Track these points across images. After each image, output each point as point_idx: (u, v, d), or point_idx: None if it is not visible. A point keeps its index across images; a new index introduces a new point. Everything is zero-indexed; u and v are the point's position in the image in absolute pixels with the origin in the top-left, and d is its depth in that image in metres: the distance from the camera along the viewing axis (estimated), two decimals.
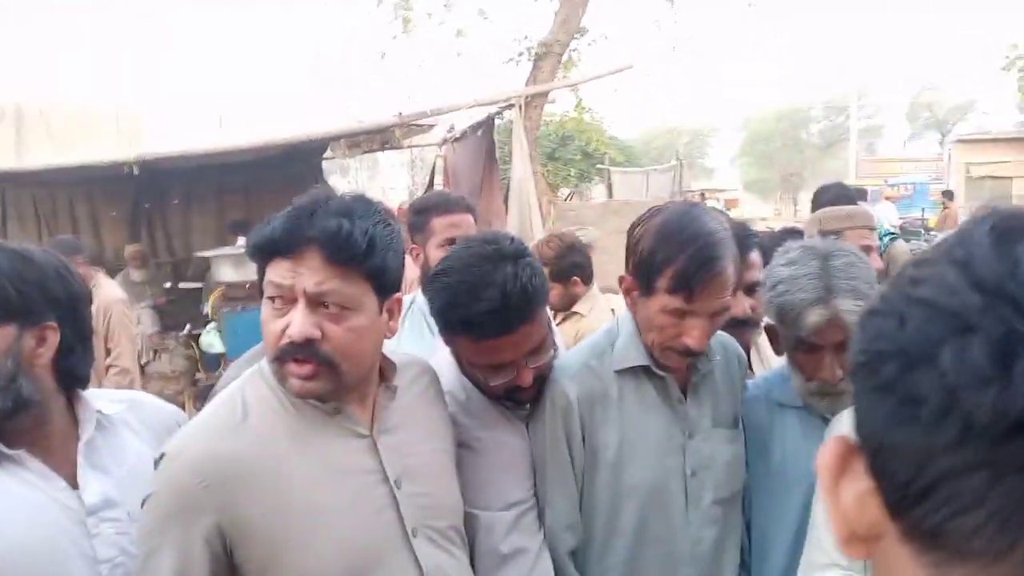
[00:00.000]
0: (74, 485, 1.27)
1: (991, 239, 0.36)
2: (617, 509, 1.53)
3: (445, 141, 8.56)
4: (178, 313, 8.39)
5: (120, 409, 1.38)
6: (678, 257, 1.41)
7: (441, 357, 1.55)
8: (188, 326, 7.81)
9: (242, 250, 7.15)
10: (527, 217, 6.63)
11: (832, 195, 3.36)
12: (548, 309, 3.30)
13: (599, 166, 17.48)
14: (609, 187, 15.57)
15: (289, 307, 1.17)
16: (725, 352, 1.69)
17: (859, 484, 0.41)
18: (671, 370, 1.56)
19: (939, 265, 0.37)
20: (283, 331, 1.17)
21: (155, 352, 7.68)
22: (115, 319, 4.44)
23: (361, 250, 1.18)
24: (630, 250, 1.51)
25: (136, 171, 6.26)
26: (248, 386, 1.28)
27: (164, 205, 9.20)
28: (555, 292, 3.24)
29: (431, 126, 7.64)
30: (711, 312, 1.45)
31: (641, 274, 1.47)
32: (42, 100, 6.88)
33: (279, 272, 1.17)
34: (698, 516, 1.56)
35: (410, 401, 1.39)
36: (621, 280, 1.55)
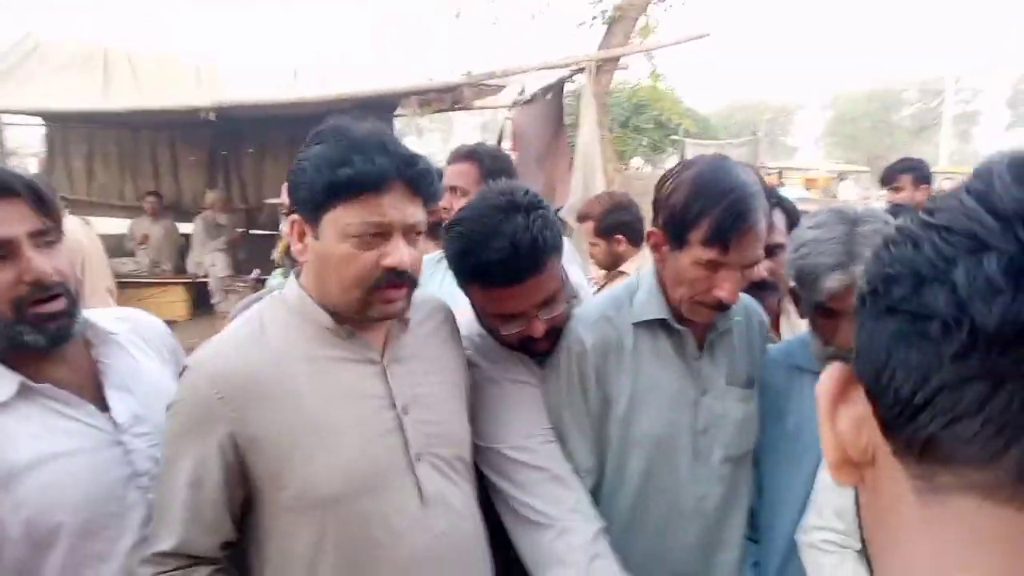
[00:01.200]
0: (101, 407, 1.34)
1: (1011, 172, 0.37)
2: (625, 458, 1.56)
3: (514, 104, 8.56)
4: (249, 258, 8.73)
5: (125, 328, 1.44)
6: (713, 209, 1.41)
7: (463, 303, 1.60)
8: (257, 270, 8.11)
9: None
10: (591, 183, 6.59)
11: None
12: (595, 267, 3.33)
13: (673, 137, 17.16)
14: (682, 159, 15.24)
15: (377, 240, 1.25)
16: (746, 313, 1.68)
17: (856, 409, 0.43)
18: (690, 325, 1.56)
19: (958, 196, 0.39)
20: (376, 262, 1.25)
21: (225, 293, 8.04)
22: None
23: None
24: (659, 204, 1.51)
25: (212, 117, 6.47)
26: (267, 309, 1.36)
27: (239, 153, 9.50)
28: (599, 249, 3.27)
29: (501, 88, 7.63)
30: (744, 264, 1.45)
31: (673, 227, 1.47)
32: (129, 46, 7.16)
33: (370, 209, 1.23)
34: (705, 472, 1.58)
35: (423, 335, 1.44)
36: (649, 235, 1.55)
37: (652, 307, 1.56)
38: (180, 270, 8.85)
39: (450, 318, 1.55)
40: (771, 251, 1.93)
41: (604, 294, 1.70)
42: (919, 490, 0.39)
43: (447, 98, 7.21)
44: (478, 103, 8.48)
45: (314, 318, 1.32)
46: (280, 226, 7.49)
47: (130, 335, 1.44)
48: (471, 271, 1.45)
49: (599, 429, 1.56)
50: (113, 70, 6.94)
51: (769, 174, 17.00)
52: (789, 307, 2.08)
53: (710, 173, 1.46)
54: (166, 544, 1.26)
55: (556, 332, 1.56)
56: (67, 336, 1.28)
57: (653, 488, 1.56)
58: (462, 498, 1.42)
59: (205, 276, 8.50)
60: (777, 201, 2.00)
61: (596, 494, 1.58)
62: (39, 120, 9.15)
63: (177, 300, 8.48)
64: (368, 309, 1.29)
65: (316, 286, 1.32)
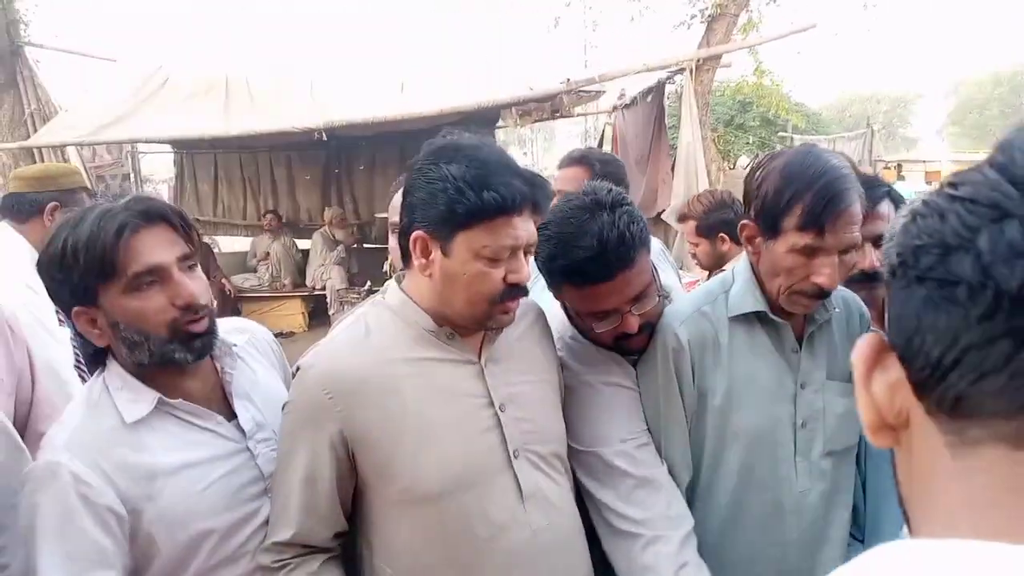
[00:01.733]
0: (227, 416, 1.42)
1: None
2: (722, 452, 1.56)
3: (615, 108, 8.54)
4: (362, 271, 9.10)
5: (243, 340, 1.52)
6: (806, 193, 1.40)
7: (554, 306, 1.65)
8: (369, 283, 8.44)
9: None
10: (694, 184, 6.50)
11: None
12: (698, 268, 3.29)
13: (781, 133, 16.61)
14: None
15: (502, 259, 1.31)
16: (845, 305, 1.65)
17: (890, 374, 0.46)
18: (788, 318, 1.55)
19: (980, 170, 0.41)
20: (503, 279, 1.32)
21: (341, 304, 8.40)
22: None
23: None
24: (750, 196, 1.51)
25: (324, 136, 6.78)
26: (371, 313, 1.45)
27: (351, 170, 9.92)
28: (701, 249, 3.23)
29: (601, 93, 7.63)
30: (841, 248, 1.43)
31: (766, 217, 1.47)
32: (247, 72, 7.62)
33: (505, 231, 1.29)
34: (806, 467, 1.55)
35: (517, 335, 1.49)
36: (742, 228, 1.55)
37: (748, 300, 1.56)
38: (298, 284, 9.31)
39: (541, 318, 1.59)
40: (880, 241, 1.87)
41: (698, 289, 1.70)
42: (951, 444, 0.41)
43: (547, 107, 7.27)
44: (578, 110, 8.51)
45: (416, 321, 1.39)
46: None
47: (246, 346, 1.53)
48: (561, 271, 1.49)
49: (695, 424, 1.57)
50: (233, 96, 7.40)
51: (886, 167, 16.18)
52: None
53: (799, 160, 1.46)
54: (284, 534, 1.35)
55: (650, 328, 1.58)
56: (209, 352, 1.38)
57: (752, 483, 1.55)
58: (560, 494, 1.46)
59: (322, 289, 8.91)
60: (887, 191, 1.94)
61: (693, 489, 1.58)
62: (169, 148, 9.87)
63: (296, 312, 8.92)
64: (488, 321, 1.37)
65: (434, 296, 1.37)
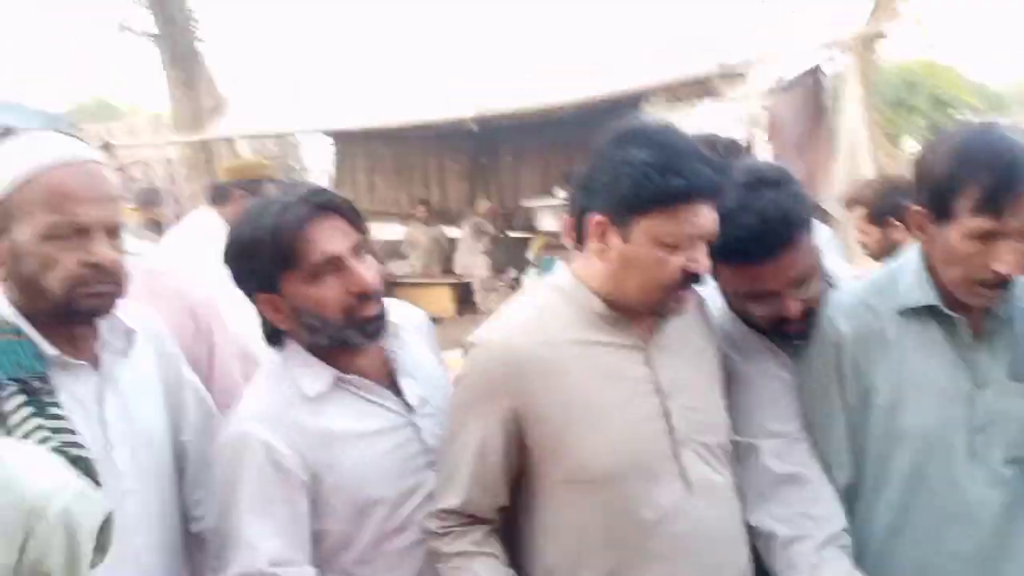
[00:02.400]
0: (394, 392, 1.47)
1: None
2: (888, 454, 1.46)
3: (771, 91, 8.16)
4: (506, 259, 9.25)
5: (405, 322, 1.56)
6: (981, 173, 1.29)
7: (711, 290, 1.59)
8: (514, 270, 8.57)
9: (565, 201, 7.65)
10: (857, 170, 6.10)
11: None
12: (867, 258, 3.07)
13: (957, 116, 15.30)
14: None
15: (681, 247, 1.30)
16: None
17: None
18: (964, 312, 1.42)
19: None
20: (684, 267, 1.30)
21: (487, 292, 8.59)
22: None
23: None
24: (920, 179, 1.40)
25: (474, 127, 6.92)
26: (542, 294, 1.47)
27: (498, 160, 10.11)
28: (871, 238, 3.04)
29: (754, 74, 7.30)
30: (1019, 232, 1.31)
31: (937, 200, 1.35)
32: (403, 63, 7.91)
33: (688, 219, 1.28)
34: (984, 474, 1.43)
35: (682, 323, 1.46)
36: (910, 215, 1.44)
37: (919, 293, 1.44)
38: (447, 271, 9.60)
39: (702, 305, 1.56)
40: None
41: (864, 280, 1.58)
42: None
43: (698, 90, 7.05)
44: (730, 93, 8.20)
45: (586, 304, 1.39)
46: (537, 224, 7.84)
47: (408, 327, 1.57)
48: (720, 250, 1.40)
49: (858, 423, 1.48)
50: (388, 89, 7.69)
51: None
52: None
53: (974, 137, 1.35)
54: (451, 502, 1.39)
55: (812, 314, 1.50)
56: (381, 335, 1.44)
57: (923, 488, 1.44)
58: (725, 486, 1.43)
59: (469, 277, 9.13)
60: None
61: (854, 493, 1.49)
62: (329, 140, 10.43)
63: (444, 299, 9.20)
64: (660, 308, 1.36)
65: (607, 280, 1.37)
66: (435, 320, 1.81)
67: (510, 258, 9.18)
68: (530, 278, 7.56)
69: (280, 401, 1.39)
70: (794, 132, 7.44)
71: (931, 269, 1.44)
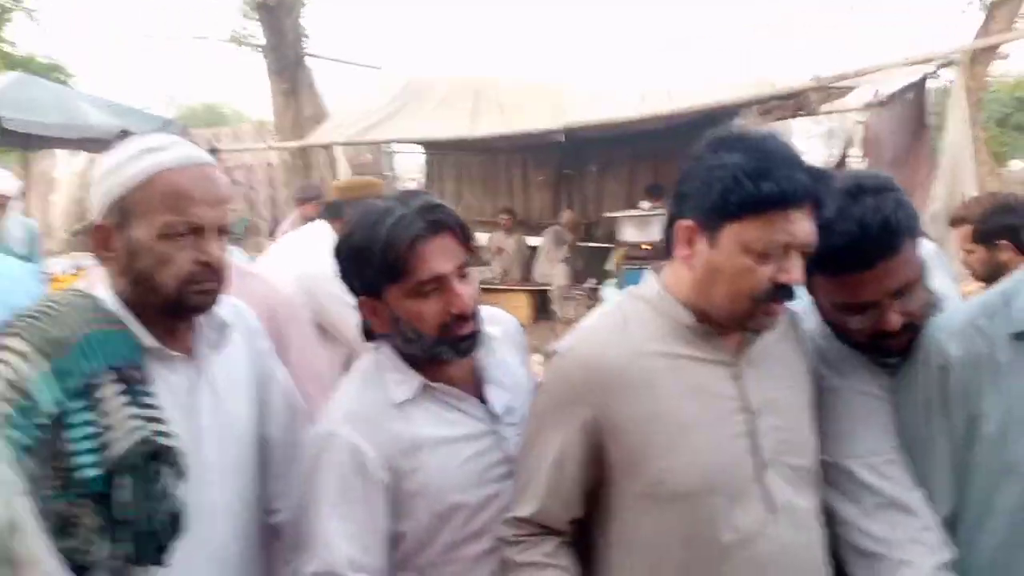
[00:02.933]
0: (478, 398, 1.48)
1: None
2: (994, 488, 1.36)
3: (868, 106, 7.91)
4: (585, 269, 9.26)
5: (499, 331, 1.56)
6: None
7: (804, 304, 1.53)
8: (592, 280, 8.58)
9: (647, 213, 7.65)
10: (959, 188, 5.84)
11: None
12: (971, 279, 2.94)
13: None
14: None
15: (776, 255, 1.25)
16: None
17: None
18: None
19: None
20: (772, 277, 1.26)
21: (564, 300, 8.62)
22: None
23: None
24: None
25: (562, 139, 6.98)
26: (628, 304, 1.44)
27: (583, 172, 10.15)
28: (976, 257, 2.91)
29: (850, 89, 7.11)
30: None
31: None
32: (496, 79, 8.05)
33: (779, 226, 1.23)
34: None
35: (773, 339, 1.42)
36: None
37: None
38: (526, 279, 9.66)
39: (796, 322, 1.50)
40: None
41: (972, 300, 1.50)
42: None
43: (791, 105, 6.90)
44: (824, 108, 8.00)
45: (674, 316, 1.36)
46: (619, 236, 7.84)
47: (498, 334, 1.55)
48: (817, 259, 1.34)
49: (962, 454, 1.39)
50: (481, 100, 7.86)
51: None
52: None
53: None
54: (525, 510, 1.38)
55: (913, 329, 1.42)
56: (472, 352, 1.45)
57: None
58: (809, 510, 1.38)
59: (548, 285, 9.18)
60: None
61: (954, 530, 1.40)
62: (420, 149, 10.69)
63: (522, 306, 9.23)
64: (748, 321, 1.32)
65: (694, 289, 1.34)
66: None
67: (589, 268, 9.18)
68: (608, 289, 7.56)
69: (369, 403, 1.41)
70: (892, 148, 7.18)
71: None
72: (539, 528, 1.40)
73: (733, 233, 1.26)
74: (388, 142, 9.17)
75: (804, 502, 1.37)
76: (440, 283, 1.38)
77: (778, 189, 1.21)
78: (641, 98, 7.48)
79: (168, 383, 1.34)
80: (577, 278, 9.10)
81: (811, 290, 1.46)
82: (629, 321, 1.39)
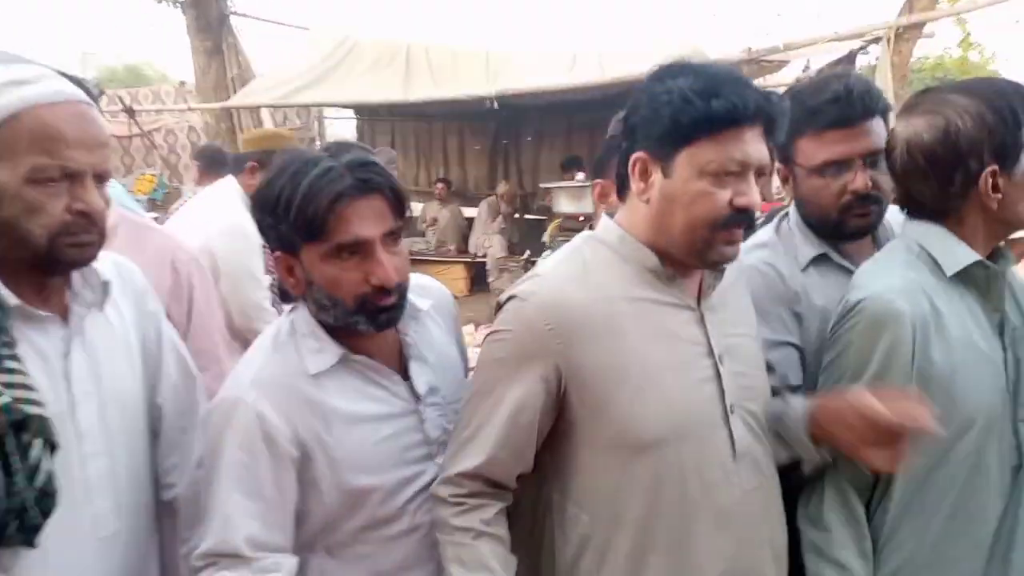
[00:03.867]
0: (403, 376, 1.39)
1: None
2: (951, 444, 1.34)
3: (798, 81, 8.02)
4: (522, 240, 9.23)
5: (428, 304, 1.47)
6: None
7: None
8: (528, 252, 8.55)
9: (582, 184, 7.65)
10: None
11: None
12: None
13: None
14: None
15: (731, 179, 1.22)
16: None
17: None
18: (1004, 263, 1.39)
19: None
20: (729, 201, 1.22)
21: (500, 272, 8.59)
22: None
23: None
24: (974, 142, 1.31)
25: (495, 105, 6.87)
26: (587, 247, 1.37)
27: (519, 142, 10.06)
28: None
29: (784, 63, 7.19)
30: None
31: (1004, 147, 1.30)
32: (427, 42, 7.87)
33: (733, 144, 1.20)
34: (1015, 437, 1.36)
35: (729, 285, 1.40)
36: (986, 179, 1.33)
37: (961, 253, 1.36)
38: (462, 250, 9.59)
39: (743, 270, 1.49)
40: None
41: (888, 254, 1.48)
42: None
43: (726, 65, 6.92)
44: (757, 82, 8.07)
45: (637, 258, 1.31)
46: (554, 207, 7.82)
47: (430, 309, 1.48)
48: (806, 115, 1.50)
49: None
50: (413, 65, 7.67)
51: None
52: None
53: (997, 82, 1.39)
54: (469, 463, 1.29)
55: (877, 202, 1.55)
56: (392, 326, 1.36)
57: (979, 464, 1.35)
58: (767, 456, 1.37)
59: (483, 256, 9.12)
60: None
61: (909, 488, 1.38)
62: (351, 114, 10.42)
63: (458, 277, 9.19)
64: (709, 251, 1.26)
65: (651, 225, 1.29)
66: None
67: (526, 240, 9.15)
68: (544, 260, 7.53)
69: (281, 371, 1.30)
70: None
71: (961, 234, 1.38)
72: (481, 486, 1.32)
73: (687, 157, 1.22)
74: (317, 105, 8.88)
75: (762, 448, 1.36)
76: (362, 249, 1.27)
77: (730, 105, 1.17)
78: (573, 61, 7.41)
79: (36, 346, 1.20)
80: (513, 250, 9.07)
81: (792, 160, 1.59)
82: (590, 266, 1.33)
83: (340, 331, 1.34)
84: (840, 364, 1.39)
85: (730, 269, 1.38)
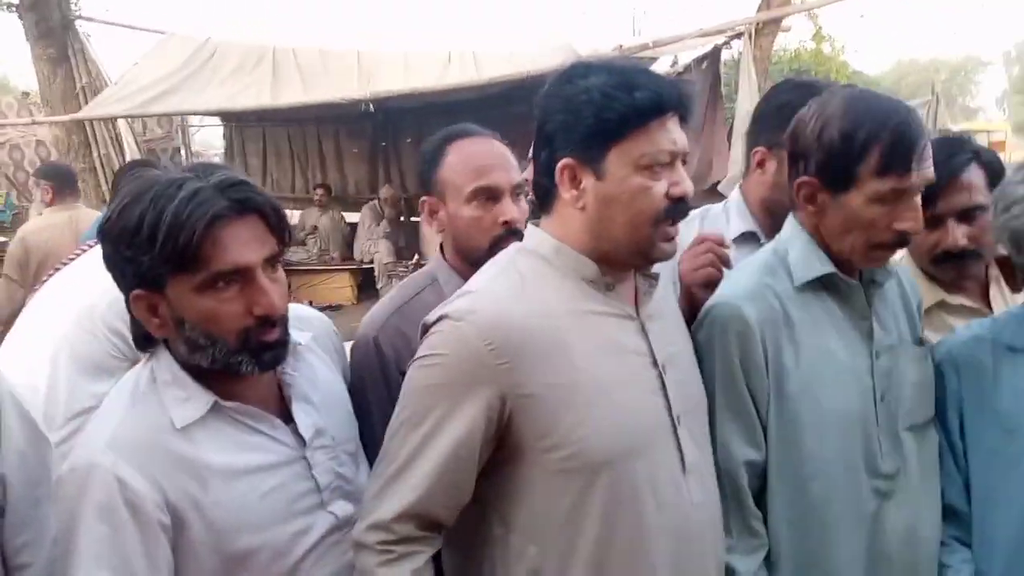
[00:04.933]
0: (285, 419, 1.27)
1: None
2: (799, 439, 1.38)
3: (666, 75, 8.25)
4: (409, 244, 9.09)
5: (307, 338, 1.36)
6: (882, 133, 1.27)
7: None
8: (416, 256, 8.43)
9: None
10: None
11: None
12: None
13: None
14: None
15: (663, 170, 1.19)
16: (896, 272, 1.51)
17: None
18: (858, 277, 1.41)
19: None
20: (665, 193, 1.19)
21: (389, 278, 8.42)
22: None
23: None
24: (807, 151, 1.36)
25: (371, 108, 6.70)
26: (519, 259, 1.28)
27: (399, 144, 9.90)
28: None
29: (653, 60, 7.38)
30: (924, 185, 1.31)
31: (833, 169, 1.32)
32: (294, 44, 7.57)
33: (661, 134, 1.18)
34: (891, 444, 1.40)
35: (663, 292, 1.36)
36: (799, 187, 1.39)
37: (814, 263, 1.39)
38: (346, 257, 9.33)
39: (669, 274, 1.44)
40: (970, 214, 1.66)
41: (749, 262, 1.51)
42: None
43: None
44: None
45: (575, 269, 1.24)
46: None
47: (310, 342, 1.38)
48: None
49: (773, 413, 1.39)
50: (280, 68, 7.36)
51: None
52: (1000, 277, 1.81)
53: (860, 99, 1.34)
54: (400, 503, 1.17)
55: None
56: (280, 363, 1.24)
57: (845, 467, 1.39)
58: (709, 468, 1.33)
59: (370, 262, 8.91)
60: (974, 154, 1.69)
61: (774, 485, 1.40)
62: (219, 121, 9.92)
63: (344, 286, 8.96)
64: (651, 249, 1.23)
65: (590, 232, 1.23)
66: (336, 307, 1.64)
67: (413, 244, 9.02)
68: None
69: (142, 427, 1.16)
70: (692, 116, 7.55)
71: (821, 241, 1.40)
72: (413, 530, 1.19)
73: (618, 155, 1.17)
74: (179, 114, 8.39)
75: (705, 458, 1.32)
76: (243, 277, 1.15)
77: (654, 95, 1.16)
78: (447, 60, 7.33)
79: None
80: (401, 254, 8.91)
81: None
82: (527, 280, 1.24)
83: (210, 376, 1.20)
84: (708, 370, 1.40)
85: (662, 278, 1.35)
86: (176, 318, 1.16)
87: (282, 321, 1.21)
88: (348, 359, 1.55)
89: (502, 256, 1.32)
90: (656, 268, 1.33)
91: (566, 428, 1.17)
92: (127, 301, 1.20)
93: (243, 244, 1.14)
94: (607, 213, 1.20)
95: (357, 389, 1.52)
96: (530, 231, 1.32)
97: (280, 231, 1.21)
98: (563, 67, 1.24)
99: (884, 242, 1.34)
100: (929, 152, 1.30)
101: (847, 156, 1.30)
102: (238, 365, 1.18)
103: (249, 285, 1.16)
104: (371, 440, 1.39)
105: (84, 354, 1.81)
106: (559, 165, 1.21)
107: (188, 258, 1.11)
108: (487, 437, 1.18)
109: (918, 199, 1.32)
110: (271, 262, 1.19)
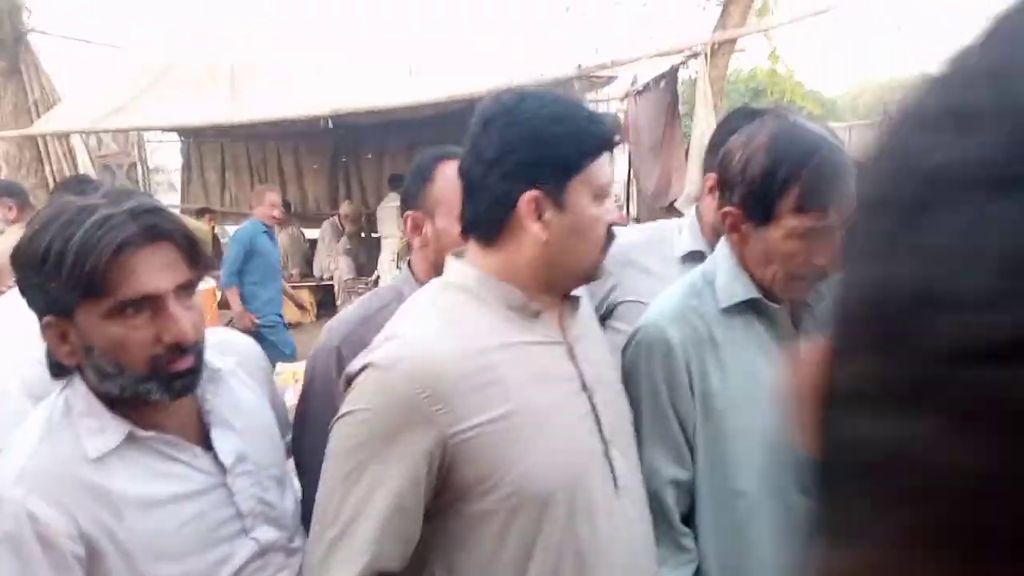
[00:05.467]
0: (204, 446, 1.27)
1: None
2: (730, 457, 1.40)
3: (627, 95, 8.38)
4: (369, 261, 9.03)
5: (231, 363, 1.35)
6: (801, 171, 1.29)
7: None
8: (376, 272, 8.37)
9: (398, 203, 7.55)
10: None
11: None
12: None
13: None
14: None
15: (602, 199, 1.24)
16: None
17: None
18: (780, 303, 1.43)
19: None
20: (609, 220, 1.25)
21: (349, 294, 8.33)
22: None
23: None
24: (732, 180, 1.39)
25: (331, 124, 6.67)
26: (444, 296, 1.26)
27: (359, 159, 9.86)
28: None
29: (613, 79, 7.47)
30: (839, 225, 1.32)
31: (756, 202, 1.35)
32: (253, 58, 7.50)
33: (605, 166, 1.23)
34: None
35: (586, 314, 1.37)
36: (724, 216, 1.42)
37: (738, 288, 1.42)
38: (306, 274, 9.24)
39: (585, 290, 1.43)
40: None
41: (676, 286, 1.53)
42: None
43: (558, 92, 7.11)
44: (589, 96, 8.36)
45: (499, 298, 1.22)
46: (400, 226, 7.70)
47: (234, 368, 1.37)
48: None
49: (699, 434, 1.43)
50: (239, 83, 7.28)
51: None
52: None
53: (785, 134, 1.35)
54: (352, 567, 1.13)
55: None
56: (190, 392, 1.23)
57: (771, 485, 1.39)
58: (640, 485, 1.35)
59: (330, 279, 8.83)
60: None
61: (701, 508, 1.43)
62: (177, 136, 9.79)
63: (304, 302, 8.84)
64: (595, 271, 1.28)
65: (542, 264, 1.22)
66: (294, 324, 1.62)
67: (373, 260, 8.96)
68: (394, 280, 7.40)
69: (54, 459, 1.13)
70: (649, 134, 7.65)
71: (746, 266, 1.43)
72: None
73: (579, 185, 1.20)
74: (136, 129, 8.26)
75: (635, 473, 1.34)
76: (152, 304, 1.14)
77: (608, 127, 1.23)
78: (408, 75, 7.33)
79: None
80: (361, 271, 8.85)
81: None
82: (453, 316, 1.22)
83: (126, 404, 1.18)
84: (635, 393, 1.42)
85: (584, 300, 1.36)
86: (85, 345, 1.15)
87: (195, 348, 1.19)
88: (288, 379, 1.53)
89: (422, 294, 1.31)
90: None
91: (508, 467, 1.16)
92: (40, 327, 1.18)
93: (153, 271, 1.13)
94: (569, 243, 1.22)
95: (312, 396, 1.52)
96: (451, 264, 1.30)
97: (193, 258, 1.20)
98: (501, 98, 1.23)
99: (802, 275, 1.36)
100: (851, 188, 1.33)
101: (768, 192, 1.33)
102: (147, 393, 1.17)
103: (159, 313, 1.15)
104: (316, 447, 1.33)
105: (32, 379, 1.78)
106: (525, 198, 1.19)
107: (95, 285, 1.10)
108: (429, 485, 1.15)
109: (832, 235, 1.34)
110: (185, 288, 1.18)
